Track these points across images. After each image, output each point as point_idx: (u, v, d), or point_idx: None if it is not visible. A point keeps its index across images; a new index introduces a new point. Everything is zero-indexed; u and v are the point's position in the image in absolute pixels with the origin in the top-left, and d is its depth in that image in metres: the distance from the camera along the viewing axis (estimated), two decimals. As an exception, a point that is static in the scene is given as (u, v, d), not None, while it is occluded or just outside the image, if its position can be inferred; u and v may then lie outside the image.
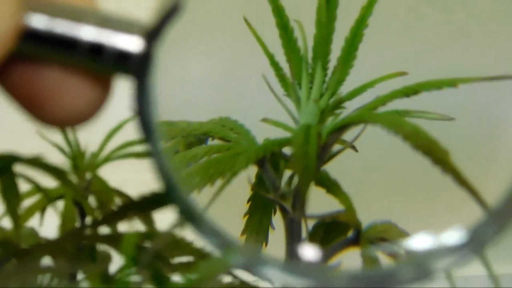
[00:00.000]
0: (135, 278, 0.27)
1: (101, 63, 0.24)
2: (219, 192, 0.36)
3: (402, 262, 0.24)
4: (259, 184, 0.40)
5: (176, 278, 0.31)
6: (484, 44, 0.40)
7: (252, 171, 0.39)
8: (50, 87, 0.24)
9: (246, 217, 0.41)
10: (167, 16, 0.24)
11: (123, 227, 0.33)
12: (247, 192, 0.40)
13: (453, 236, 0.25)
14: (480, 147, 0.38)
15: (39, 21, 0.24)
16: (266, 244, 0.41)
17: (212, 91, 0.41)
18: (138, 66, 0.24)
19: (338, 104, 0.39)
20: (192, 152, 0.39)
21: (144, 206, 0.31)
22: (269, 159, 0.39)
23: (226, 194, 0.37)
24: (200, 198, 0.37)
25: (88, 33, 0.24)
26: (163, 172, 0.24)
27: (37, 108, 0.24)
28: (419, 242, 0.28)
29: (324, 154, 0.38)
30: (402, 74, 0.39)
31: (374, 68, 0.39)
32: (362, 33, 0.39)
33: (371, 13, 0.39)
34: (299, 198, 0.38)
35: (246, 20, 0.39)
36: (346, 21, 0.39)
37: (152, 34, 0.24)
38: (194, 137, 0.40)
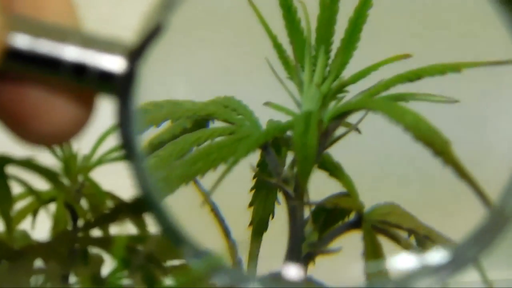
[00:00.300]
0: (126, 281, 0.28)
1: (84, 83, 0.24)
2: (222, 178, 0.37)
3: (386, 281, 0.24)
4: (262, 166, 0.40)
5: (169, 281, 0.31)
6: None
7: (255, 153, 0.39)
8: (33, 106, 0.24)
9: (253, 191, 0.41)
10: (149, 36, 0.24)
11: (115, 230, 0.34)
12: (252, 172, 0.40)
13: (436, 255, 0.25)
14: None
15: (22, 41, 0.24)
16: (273, 217, 0.41)
17: (216, 73, 0.41)
18: (120, 86, 0.24)
19: (341, 88, 0.38)
20: (195, 135, 0.39)
21: (136, 209, 0.31)
22: (271, 142, 0.39)
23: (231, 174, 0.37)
24: (203, 181, 0.38)
25: (71, 53, 0.24)
26: (145, 192, 0.24)
27: (20, 127, 0.24)
28: (403, 261, 0.28)
29: (325, 140, 0.38)
30: (406, 56, 0.38)
31: (379, 50, 0.39)
32: (366, 13, 0.38)
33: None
34: (299, 185, 0.38)
35: (249, 0, 0.39)
36: (351, 2, 0.38)
37: (135, 54, 0.24)
38: (199, 116, 0.40)
